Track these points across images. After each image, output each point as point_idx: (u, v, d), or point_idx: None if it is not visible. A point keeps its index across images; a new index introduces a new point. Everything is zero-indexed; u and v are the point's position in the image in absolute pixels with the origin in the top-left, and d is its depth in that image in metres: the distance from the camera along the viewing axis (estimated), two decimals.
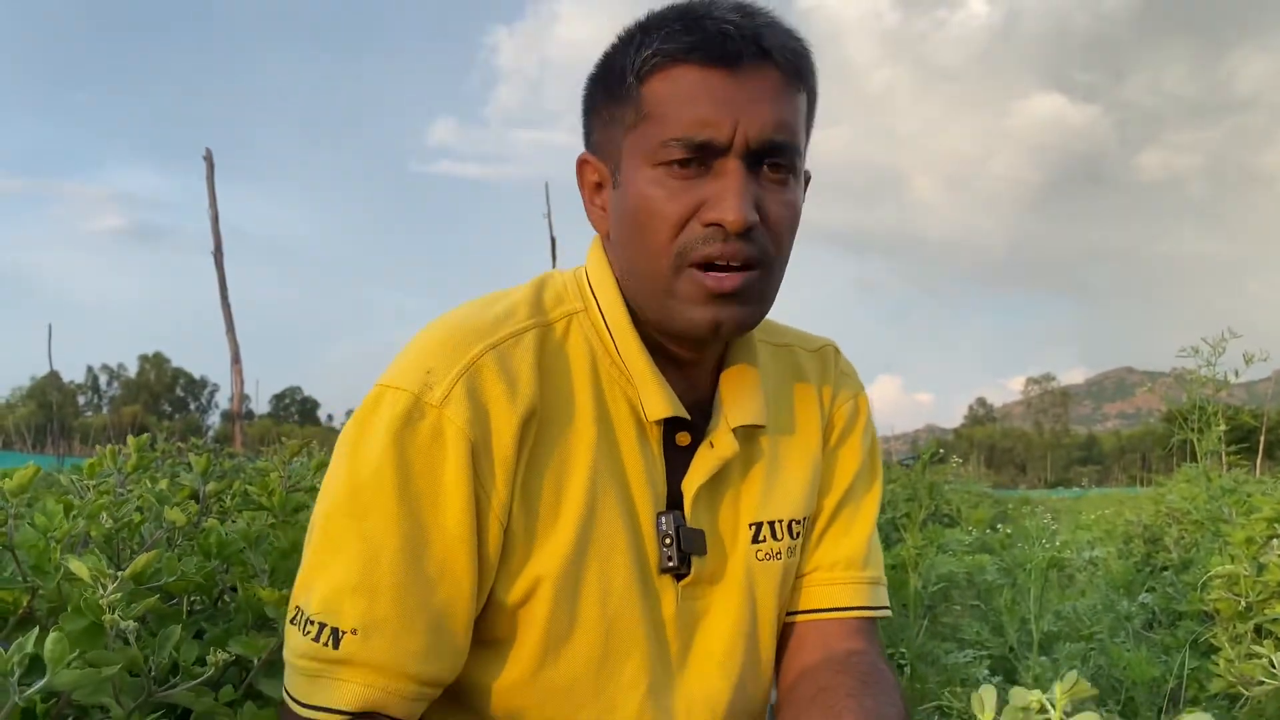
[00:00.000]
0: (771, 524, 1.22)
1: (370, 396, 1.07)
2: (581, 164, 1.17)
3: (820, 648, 1.23)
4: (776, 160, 1.07)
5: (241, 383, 9.67)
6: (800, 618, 1.27)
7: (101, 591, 1.01)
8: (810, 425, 1.28)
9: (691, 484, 1.16)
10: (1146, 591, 3.56)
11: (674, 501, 1.17)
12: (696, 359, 1.18)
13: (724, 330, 1.10)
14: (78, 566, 1.02)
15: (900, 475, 5.25)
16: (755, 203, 1.05)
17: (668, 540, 1.15)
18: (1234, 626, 2.43)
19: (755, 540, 1.21)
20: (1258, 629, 2.39)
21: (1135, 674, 2.58)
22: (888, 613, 1.31)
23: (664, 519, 1.15)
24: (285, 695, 1.05)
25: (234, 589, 1.48)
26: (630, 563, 1.13)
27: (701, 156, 1.04)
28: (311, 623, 1.00)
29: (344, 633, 0.99)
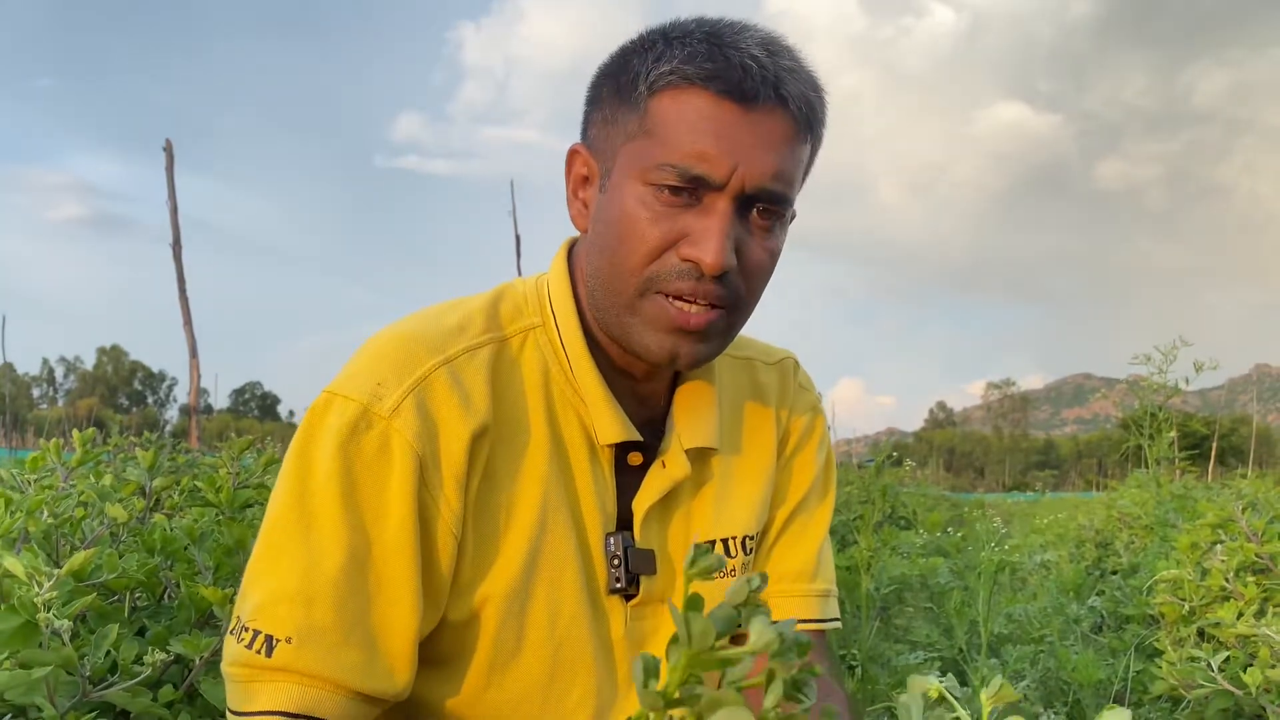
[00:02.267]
0: (725, 541, 1.22)
1: (319, 402, 1.05)
2: (572, 154, 1.15)
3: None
4: (767, 208, 1.05)
5: (199, 377, 9.55)
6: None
7: (37, 589, 1.00)
8: (765, 440, 1.28)
9: (642, 504, 1.16)
10: (1096, 595, 3.60)
11: (624, 521, 1.16)
12: (651, 375, 1.18)
13: (680, 363, 1.09)
14: (12, 563, 1.00)
15: (856, 479, 5.29)
16: (736, 245, 1.04)
17: (616, 561, 1.15)
18: (1177, 630, 2.47)
19: None
20: (1200, 632, 2.43)
21: (1082, 676, 2.62)
22: (837, 624, 1.32)
23: (612, 540, 1.15)
24: (227, 712, 1.03)
25: (178, 586, 1.46)
26: (579, 583, 1.12)
27: (693, 188, 1.03)
28: (246, 630, 0.98)
29: (278, 641, 0.97)
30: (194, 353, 9.56)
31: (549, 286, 1.17)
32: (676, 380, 1.21)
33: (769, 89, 1.02)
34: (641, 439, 1.15)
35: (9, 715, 1.12)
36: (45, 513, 1.30)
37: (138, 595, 1.51)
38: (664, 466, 1.17)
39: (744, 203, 1.04)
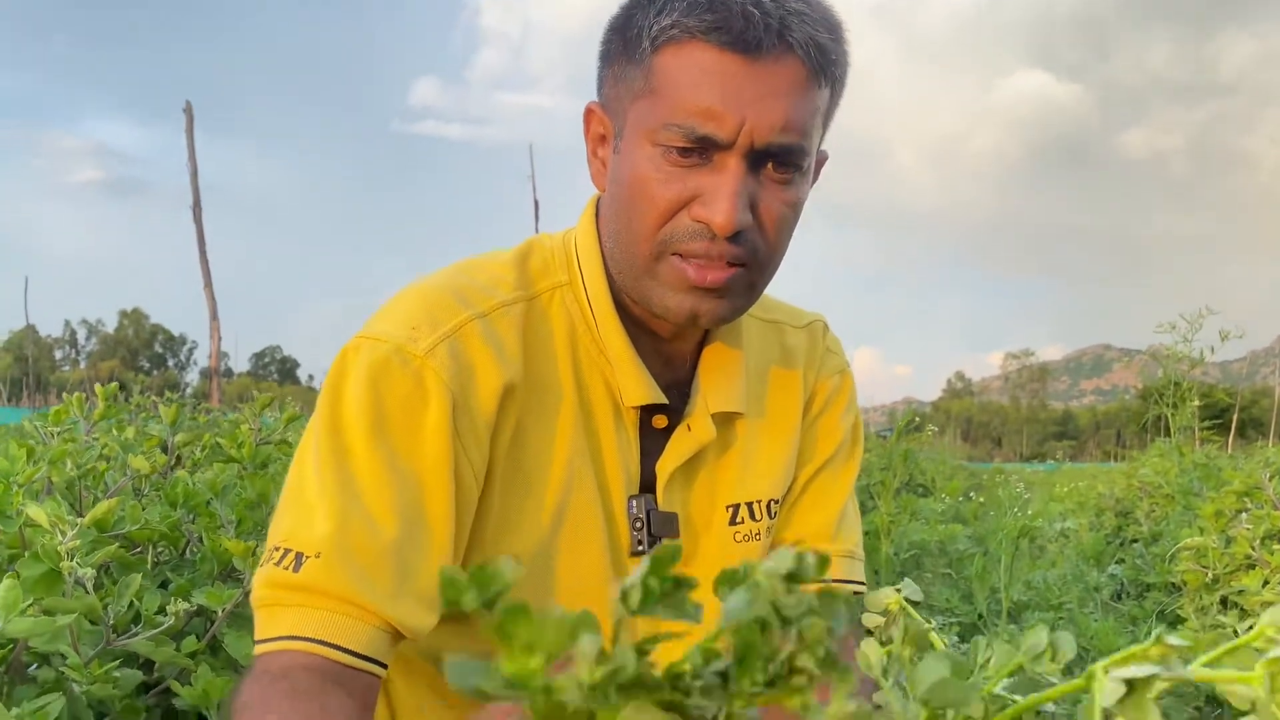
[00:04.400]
0: (750, 505, 1.21)
1: (349, 345, 1.03)
2: (589, 113, 1.12)
3: None
4: (782, 161, 1.01)
5: (219, 339, 9.59)
6: None
7: (60, 538, 1.00)
8: (791, 403, 1.26)
9: (666, 467, 1.15)
10: (1116, 563, 3.59)
11: (647, 484, 1.15)
12: (678, 335, 1.16)
13: (702, 322, 1.06)
14: (36, 512, 1.00)
15: (876, 445, 5.27)
16: (751, 201, 1.01)
17: (638, 524, 1.13)
18: (1200, 598, 2.45)
19: (733, 522, 1.20)
20: (1223, 600, 2.41)
21: (1102, 644, 2.61)
22: (862, 588, 1.30)
23: (635, 502, 1.13)
24: (255, 647, 1.01)
25: (200, 540, 1.46)
26: (602, 545, 1.11)
27: (702, 147, 0.99)
28: (276, 549, 0.95)
29: (307, 557, 0.93)
30: (214, 314, 9.60)
31: (576, 244, 1.15)
32: (703, 342, 1.19)
33: (773, 36, 0.98)
34: (667, 401, 1.13)
35: (34, 665, 1.13)
36: (69, 464, 1.30)
37: (160, 549, 1.51)
38: (689, 430, 1.16)
39: (756, 158, 1.00)
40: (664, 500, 1.15)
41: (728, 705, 0.38)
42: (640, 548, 1.14)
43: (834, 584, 1.25)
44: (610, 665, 0.36)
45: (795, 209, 1.06)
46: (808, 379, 1.28)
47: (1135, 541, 3.84)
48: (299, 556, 0.94)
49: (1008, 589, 2.86)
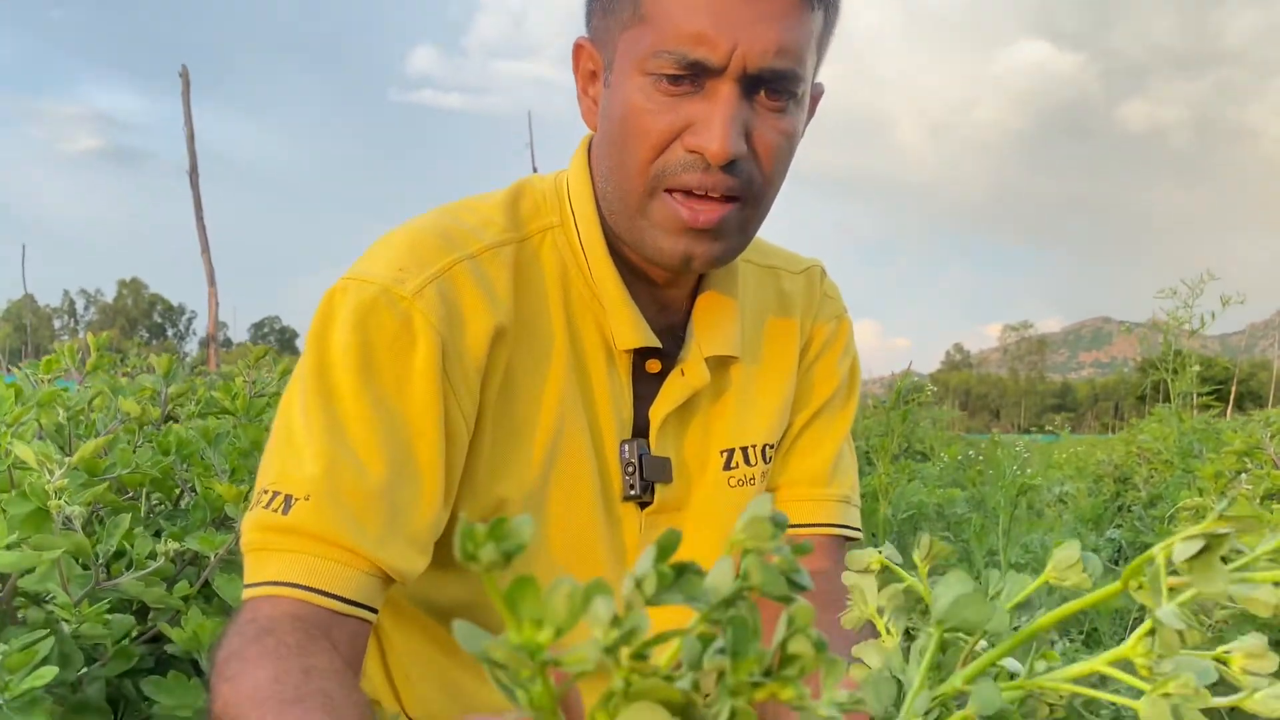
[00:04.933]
0: (745, 450, 1.20)
1: (335, 288, 1.01)
2: (578, 49, 1.09)
3: None
4: (775, 87, 0.99)
5: (217, 305, 9.56)
6: None
7: (48, 477, 0.98)
8: (787, 348, 1.25)
9: (659, 412, 1.13)
10: (1114, 527, 3.59)
11: (640, 429, 1.14)
12: (672, 280, 1.14)
13: (695, 265, 1.04)
14: (23, 451, 0.98)
15: (874, 412, 5.26)
16: (746, 130, 0.99)
17: (630, 468, 1.12)
18: None
19: (727, 467, 1.19)
20: (1223, 561, 2.41)
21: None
22: (858, 534, 1.29)
23: (627, 447, 1.12)
24: (244, 591, 0.99)
25: (194, 489, 1.45)
26: (593, 490, 1.10)
27: (693, 74, 0.97)
28: (265, 492, 0.94)
29: (296, 499, 0.92)
30: (212, 281, 9.57)
31: (569, 185, 1.13)
32: (698, 287, 1.18)
33: None
34: (660, 345, 1.12)
35: (23, 608, 1.11)
36: (58, 409, 1.28)
37: (155, 499, 1.50)
38: (683, 374, 1.14)
39: (749, 84, 0.98)
40: (657, 445, 1.13)
41: (729, 699, 0.38)
42: (632, 492, 1.12)
43: (829, 529, 1.25)
44: (623, 628, 0.35)
45: (790, 139, 1.04)
46: (804, 324, 1.26)
47: (1134, 507, 3.83)
48: (288, 499, 0.92)
49: (1005, 552, 2.85)
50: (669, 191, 1.01)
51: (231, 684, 0.84)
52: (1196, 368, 4.35)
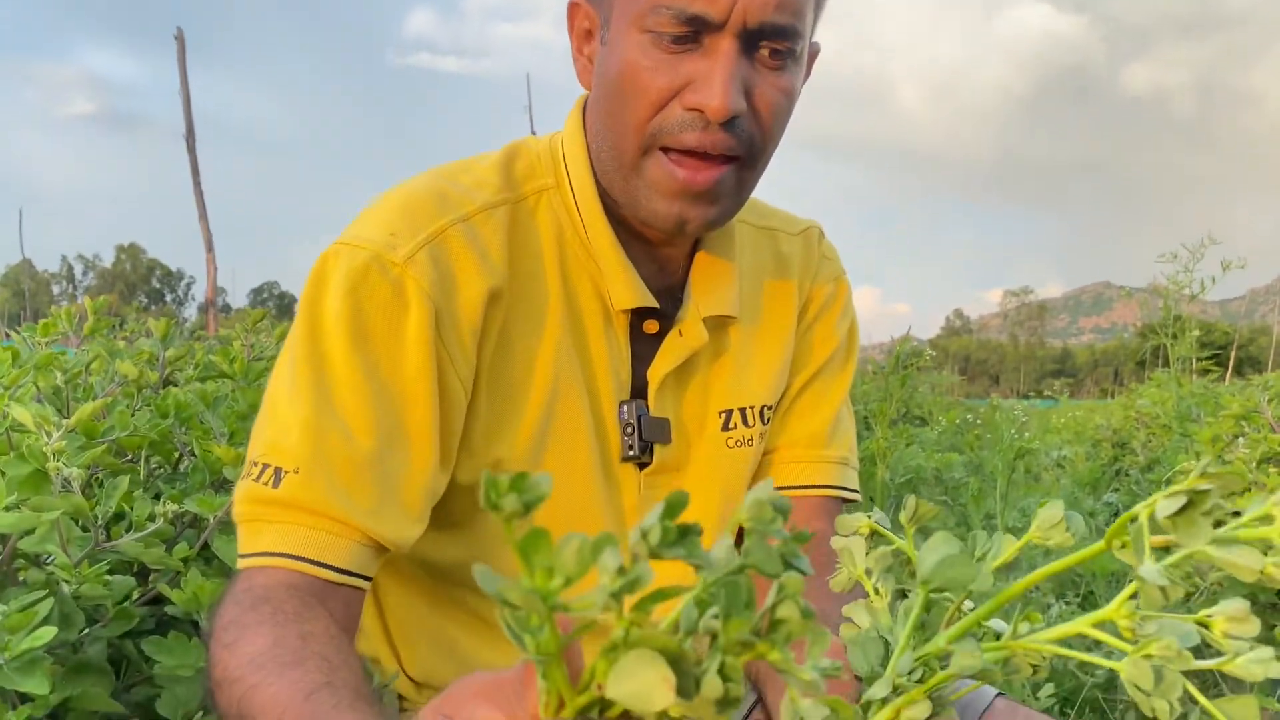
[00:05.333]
0: (743, 410, 1.20)
1: (327, 252, 1.01)
2: (573, 7, 1.09)
3: None
4: (775, 44, 0.98)
5: (215, 270, 9.54)
6: None
7: (46, 439, 0.98)
8: (785, 309, 1.24)
9: (657, 372, 1.13)
10: (1112, 492, 3.60)
11: (638, 390, 1.13)
12: (669, 240, 1.13)
13: (690, 229, 1.04)
14: (21, 413, 0.99)
15: (872, 378, 5.26)
16: (745, 87, 0.98)
17: (629, 429, 1.12)
18: None
19: (725, 428, 1.19)
20: (1218, 524, 2.42)
21: (1096, 568, 2.62)
22: (856, 496, 1.29)
23: (626, 407, 1.12)
24: (237, 559, 0.99)
25: (193, 453, 1.46)
26: (591, 451, 1.10)
27: (693, 30, 0.96)
28: (255, 465, 0.94)
29: (286, 472, 0.92)
30: (210, 246, 9.54)
31: (563, 146, 1.12)
32: (696, 247, 1.17)
33: None
34: (657, 305, 1.11)
35: (24, 570, 1.12)
36: (56, 373, 1.28)
37: (154, 463, 1.50)
38: (681, 335, 1.14)
39: (749, 40, 0.97)
40: (656, 406, 1.13)
41: (719, 655, 0.39)
42: (631, 453, 1.13)
43: (828, 490, 1.25)
44: (629, 577, 0.38)
45: (790, 97, 1.03)
46: (803, 285, 1.26)
47: (1132, 471, 3.85)
48: (278, 472, 0.93)
49: (1002, 515, 2.86)
50: (665, 151, 1.00)
51: (230, 650, 0.84)
52: (1196, 332, 4.35)
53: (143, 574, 1.30)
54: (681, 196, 1.01)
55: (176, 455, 1.49)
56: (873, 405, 4.21)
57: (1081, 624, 0.53)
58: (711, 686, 0.39)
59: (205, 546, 1.26)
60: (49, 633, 0.87)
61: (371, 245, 0.99)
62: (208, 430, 1.42)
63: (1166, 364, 4.52)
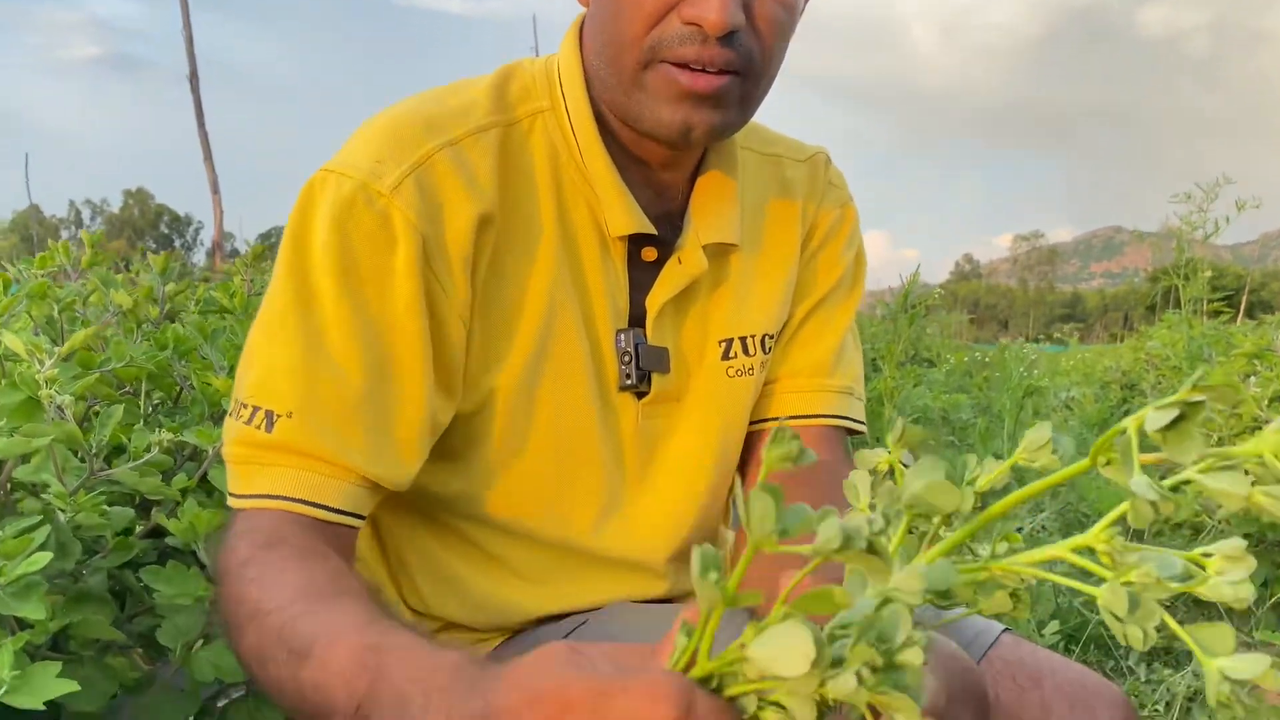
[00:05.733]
0: (744, 339, 1.18)
1: (313, 180, 0.99)
2: None
3: None
4: None
5: (221, 213, 9.51)
6: (762, 426, 1.23)
7: (38, 367, 0.97)
8: (789, 236, 1.22)
9: (655, 301, 1.11)
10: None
11: (636, 318, 1.12)
12: (669, 162, 1.10)
13: (695, 135, 1.01)
14: (12, 340, 0.97)
15: (880, 322, 5.24)
16: (745, 1, 0.95)
17: (626, 357, 1.10)
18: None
19: (726, 357, 1.17)
20: None
21: (1103, 507, 2.61)
22: (861, 427, 1.27)
23: (623, 336, 1.10)
24: (227, 496, 0.97)
25: (193, 386, 1.45)
26: (587, 379, 1.08)
27: None
28: (245, 406, 0.93)
29: (279, 415, 0.91)
30: (215, 188, 9.51)
31: (559, 68, 1.09)
32: (697, 173, 1.14)
33: None
34: (654, 231, 1.09)
35: (21, 500, 1.12)
36: (51, 302, 1.26)
37: (156, 397, 1.49)
38: (680, 262, 1.11)
39: None
40: (654, 334, 1.12)
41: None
42: (629, 382, 1.11)
43: (831, 419, 1.23)
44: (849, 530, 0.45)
45: (790, 12, 1.01)
46: (807, 212, 1.23)
47: None
48: (269, 415, 0.91)
49: (1011, 454, 2.85)
50: (665, 62, 0.98)
51: (259, 584, 0.83)
52: (1208, 273, 4.31)
53: (144, 506, 1.30)
54: (686, 100, 0.98)
55: (177, 389, 1.48)
56: (880, 346, 4.20)
57: (1061, 548, 0.52)
58: (843, 681, 0.43)
59: (204, 478, 1.25)
60: (44, 558, 0.86)
61: (357, 173, 0.96)
62: (207, 363, 1.41)
63: (1178, 307, 4.48)
